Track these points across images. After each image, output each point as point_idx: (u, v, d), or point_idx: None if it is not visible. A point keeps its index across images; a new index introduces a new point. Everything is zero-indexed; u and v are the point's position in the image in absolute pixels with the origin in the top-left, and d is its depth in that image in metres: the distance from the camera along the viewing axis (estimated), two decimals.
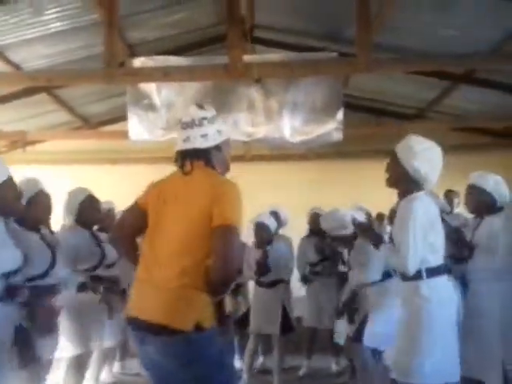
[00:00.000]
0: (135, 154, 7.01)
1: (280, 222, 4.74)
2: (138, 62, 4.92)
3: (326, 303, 4.71)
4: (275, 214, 4.69)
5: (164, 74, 4.39)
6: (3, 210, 2.57)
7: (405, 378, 2.53)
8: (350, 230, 3.54)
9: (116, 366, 4.78)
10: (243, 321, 4.66)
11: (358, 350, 3.43)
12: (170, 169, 2.16)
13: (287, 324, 4.35)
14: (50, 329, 2.79)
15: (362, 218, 3.70)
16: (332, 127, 5.15)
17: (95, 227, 3.65)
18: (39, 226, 2.94)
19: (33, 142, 7.25)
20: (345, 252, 3.89)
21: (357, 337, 3.42)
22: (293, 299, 4.70)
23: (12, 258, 2.52)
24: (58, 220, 3.49)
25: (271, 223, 4.48)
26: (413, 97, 6.54)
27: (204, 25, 5.61)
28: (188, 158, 2.05)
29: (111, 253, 3.36)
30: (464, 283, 3.25)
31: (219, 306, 1.98)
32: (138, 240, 2.19)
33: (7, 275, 2.50)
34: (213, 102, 4.72)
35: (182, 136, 2.07)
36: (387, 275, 3.36)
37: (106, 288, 3.41)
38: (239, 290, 4.93)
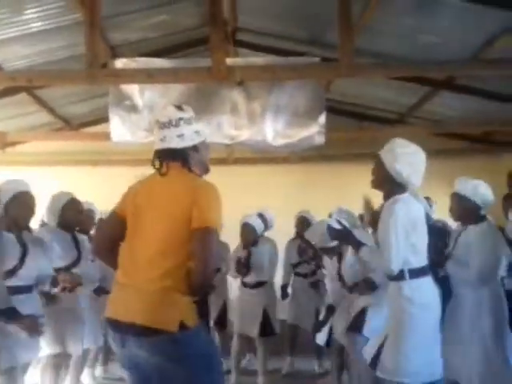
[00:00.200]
0: (117, 155, 6.95)
1: (266, 225, 4.79)
2: (120, 63, 4.89)
3: (306, 304, 4.79)
4: (262, 217, 4.74)
5: (147, 76, 4.37)
6: None
7: (389, 376, 2.57)
8: (335, 241, 3.57)
9: (99, 370, 4.74)
10: (221, 320, 4.70)
11: (354, 339, 3.42)
12: (151, 171, 2.16)
13: (268, 327, 4.38)
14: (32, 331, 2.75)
15: (345, 221, 3.72)
16: (314, 131, 5.18)
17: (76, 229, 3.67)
18: (19, 227, 2.92)
19: (13, 143, 7.15)
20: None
21: (354, 327, 3.42)
22: (277, 301, 4.74)
23: None
24: (38, 221, 3.49)
25: (257, 225, 4.55)
26: (394, 102, 6.62)
27: (187, 27, 5.59)
28: (164, 158, 2.04)
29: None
30: (446, 286, 3.30)
31: (202, 304, 1.98)
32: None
33: None
34: (196, 104, 4.70)
35: (159, 136, 2.06)
36: None
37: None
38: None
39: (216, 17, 4.17)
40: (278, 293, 4.93)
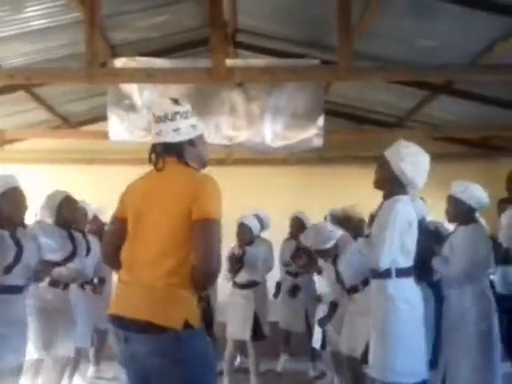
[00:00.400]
0: (114, 154, 6.95)
1: (262, 225, 4.81)
2: (120, 62, 4.89)
3: (295, 304, 4.83)
4: (258, 217, 4.76)
5: (147, 76, 4.37)
6: None
7: (377, 374, 2.60)
8: (331, 243, 3.57)
9: (90, 370, 4.73)
10: (209, 322, 4.71)
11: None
12: (148, 170, 2.15)
13: (259, 330, 4.40)
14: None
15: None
16: (313, 133, 5.20)
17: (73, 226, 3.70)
18: (13, 224, 2.91)
19: (11, 141, 7.13)
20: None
21: (366, 359, 3.42)
22: (269, 303, 4.76)
23: None
24: (32, 218, 3.49)
25: (254, 225, 4.58)
26: (392, 105, 6.63)
27: (187, 27, 5.59)
28: (160, 153, 2.03)
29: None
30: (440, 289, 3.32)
31: (204, 305, 1.96)
32: None
33: None
34: (195, 104, 4.68)
35: (155, 129, 2.05)
36: None
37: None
38: None
39: (216, 18, 4.18)
40: (271, 293, 4.98)
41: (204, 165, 2.13)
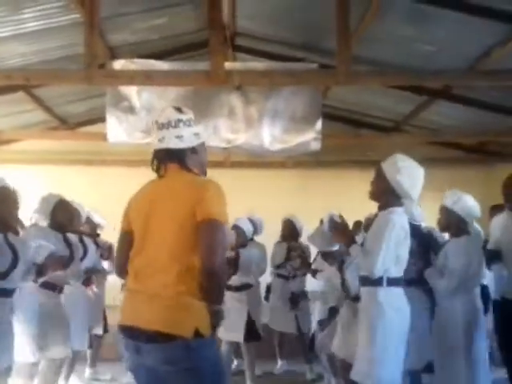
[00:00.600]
0: (111, 156, 6.95)
1: (256, 229, 4.82)
2: (119, 64, 4.90)
3: (284, 306, 4.83)
4: (252, 221, 4.77)
5: (146, 78, 4.37)
6: None
7: (362, 379, 2.64)
8: (337, 246, 3.58)
9: (87, 372, 4.72)
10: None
11: None
12: (146, 172, 2.16)
13: (253, 332, 4.40)
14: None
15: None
16: (311, 137, 5.21)
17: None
18: (8, 225, 2.90)
19: (8, 141, 7.12)
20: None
21: None
22: (262, 305, 4.77)
23: None
24: (27, 221, 3.49)
25: (247, 228, 4.58)
26: (390, 110, 6.65)
27: (186, 30, 5.60)
28: (162, 159, 2.04)
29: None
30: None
31: (215, 314, 1.89)
32: None
33: None
34: (194, 107, 4.65)
35: (157, 136, 2.06)
36: None
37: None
38: None
39: (215, 21, 4.19)
40: (263, 295, 4.99)
41: (204, 173, 2.13)
